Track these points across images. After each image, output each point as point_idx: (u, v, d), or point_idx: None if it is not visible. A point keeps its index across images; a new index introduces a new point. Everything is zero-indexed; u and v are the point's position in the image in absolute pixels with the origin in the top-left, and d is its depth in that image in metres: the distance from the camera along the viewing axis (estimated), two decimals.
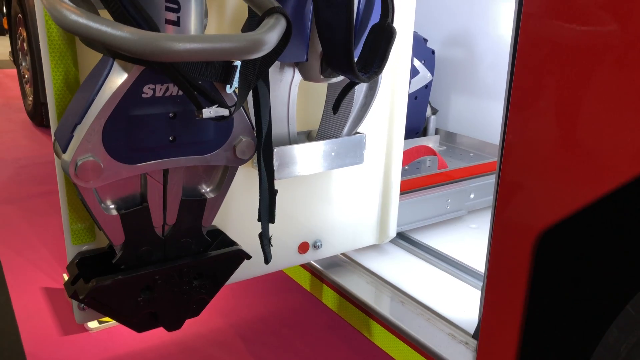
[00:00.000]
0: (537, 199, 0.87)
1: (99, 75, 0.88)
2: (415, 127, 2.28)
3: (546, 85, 0.84)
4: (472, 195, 1.80)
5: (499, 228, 0.94)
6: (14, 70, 6.23)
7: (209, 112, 0.88)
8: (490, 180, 1.84)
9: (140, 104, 0.91)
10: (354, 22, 1.09)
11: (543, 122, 0.85)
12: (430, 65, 2.24)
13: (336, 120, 1.27)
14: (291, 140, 1.23)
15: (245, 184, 1.24)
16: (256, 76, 0.94)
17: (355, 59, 1.10)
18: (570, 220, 0.84)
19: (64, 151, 0.90)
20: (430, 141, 2.28)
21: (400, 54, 1.40)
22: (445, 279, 1.47)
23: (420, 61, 2.22)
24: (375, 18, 1.12)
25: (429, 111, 2.34)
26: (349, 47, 1.04)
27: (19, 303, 1.96)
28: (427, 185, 1.73)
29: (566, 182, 0.82)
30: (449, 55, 2.36)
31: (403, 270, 1.51)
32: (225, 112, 0.90)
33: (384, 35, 1.09)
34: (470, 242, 1.66)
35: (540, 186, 0.86)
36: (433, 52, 2.25)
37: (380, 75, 1.18)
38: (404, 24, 1.38)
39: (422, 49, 2.22)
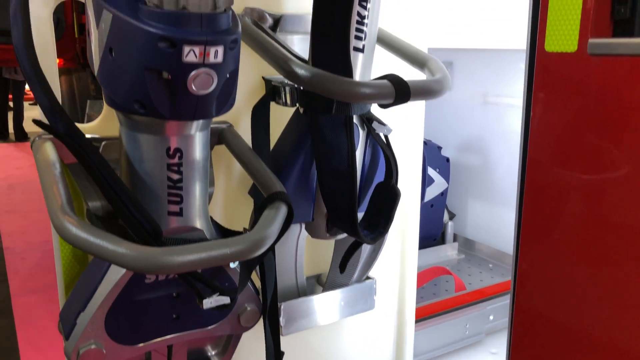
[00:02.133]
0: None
1: (104, 262, 0.90)
2: (433, 234, 2.26)
3: (555, 226, 0.84)
4: (491, 317, 1.75)
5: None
6: None
7: (209, 303, 0.88)
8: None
9: (143, 289, 0.91)
10: (359, 181, 1.10)
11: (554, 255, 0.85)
12: (445, 172, 2.24)
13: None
14: (300, 292, 1.22)
15: None
16: (258, 260, 0.94)
17: (361, 215, 1.10)
18: None
19: (67, 338, 0.90)
20: (448, 249, 2.25)
21: (410, 179, 1.40)
22: None
23: (435, 169, 2.23)
24: (380, 176, 1.13)
25: (446, 216, 2.32)
26: (353, 215, 1.04)
27: None
28: (444, 309, 1.69)
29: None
30: (464, 161, 2.37)
31: None
32: (226, 300, 0.90)
33: (388, 197, 1.09)
34: None
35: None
36: (448, 159, 2.26)
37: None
38: (414, 133, 1.38)
39: (436, 157, 2.23)
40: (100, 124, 1.02)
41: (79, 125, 1.03)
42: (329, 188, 1.06)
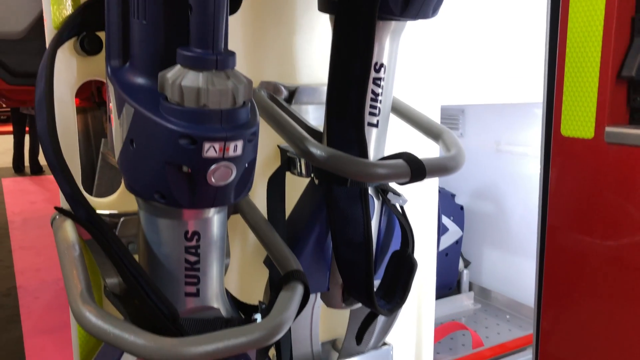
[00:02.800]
0: None
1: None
2: (448, 283, 2.24)
3: (575, 290, 0.85)
4: None
5: None
6: None
7: None
8: (529, 355, 1.75)
9: None
10: (374, 250, 1.10)
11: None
12: (459, 220, 2.23)
13: None
14: (315, 359, 1.21)
15: None
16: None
17: (377, 282, 1.10)
18: None
19: None
20: (464, 299, 2.22)
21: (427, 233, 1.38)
22: None
23: (449, 218, 2.22)
24: (396, 243, 1.13)
25: (461, 264, 2.30)
26: (369, 287, 1.03)
27: None
28: None
29: None
30: (478, 209, 2.36)
31: None
32: None
33: (405, 267, 1.09)
34: None
35: None
36: (462, 207, 2.25)
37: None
38: (428, 182, 1.37)
39: (450, 205, 2.23)
40: (119, 199, 1.03)
41: (97, 199, 1.05)
42: (345, 259, 1.06)
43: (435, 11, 0.94)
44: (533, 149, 2.06)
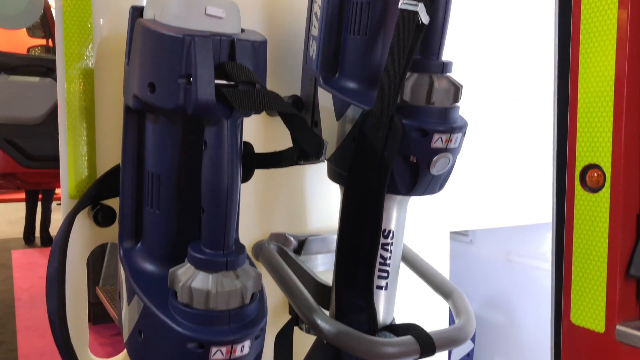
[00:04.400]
0: None
1: None
2: None
3: None
4: None
5: None
6: None
7: None
8: None
9: None
10: None
11: None
12: None
13: None
14: None
15: None
16: None
17: None
18: None
19: None
20: None
21: None
22: None
23: None
24: None
25: None
26: None
27: None
28: None
29: None
30: (489, 319, 2.31)
31: None
32: None
33: None
34: None
35: None
36: None
37: None
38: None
39: None
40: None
41: None
42: None
43: (441, 187, 0.96)
44: (544, 263, 2.04)
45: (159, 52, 0.72)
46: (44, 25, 5.07)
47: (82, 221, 0.97)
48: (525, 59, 1.66)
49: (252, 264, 0.83)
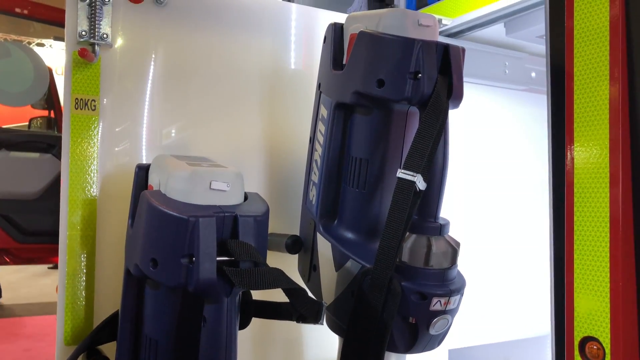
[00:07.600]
0: None
1: None
2: None
3: None
4: None
5: None
6: None
7: None
8: None
9: None
10: None
11: None
12: None
13: None
14: None
15: None
16: None
17: None
18: None
19: None
20: None
21: None
22: None
23: None
24: None
25: None
26: None
27: None
28: None
29: None
30: None
31: None
32: None
33: None
34: None
35: None
36: None
37: None
38: None
39: None
40: None
41: None
42: None
43: (440, 342, 0.96)
44: None
45: (163, 230, 0.74)
46: (47, 98, 5.15)
47: None
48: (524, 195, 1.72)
49: None
